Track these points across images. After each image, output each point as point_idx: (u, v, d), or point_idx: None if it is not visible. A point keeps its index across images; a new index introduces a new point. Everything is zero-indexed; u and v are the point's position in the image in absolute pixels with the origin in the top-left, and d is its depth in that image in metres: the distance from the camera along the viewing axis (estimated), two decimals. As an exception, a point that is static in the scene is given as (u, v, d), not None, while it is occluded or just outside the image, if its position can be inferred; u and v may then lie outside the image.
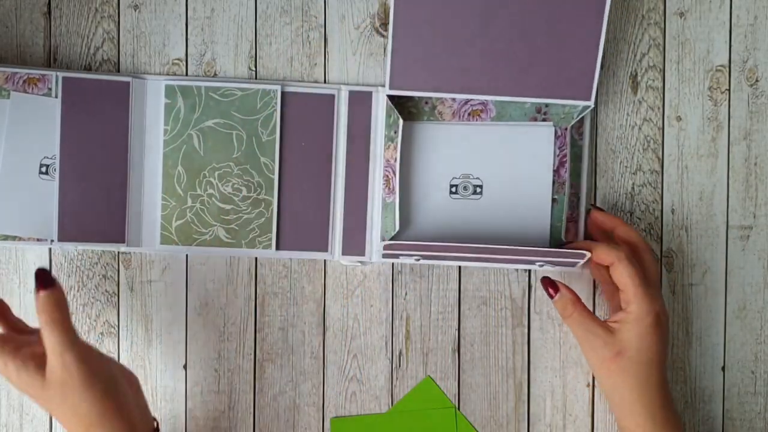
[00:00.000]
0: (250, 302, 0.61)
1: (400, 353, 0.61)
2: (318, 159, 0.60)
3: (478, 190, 0.60)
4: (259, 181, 0.60)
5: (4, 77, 0.59)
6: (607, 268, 0.56)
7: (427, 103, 0.60)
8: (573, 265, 0.58)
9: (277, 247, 0.60)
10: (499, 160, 0.60)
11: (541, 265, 0.60)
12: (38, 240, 0.59)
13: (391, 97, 0.59)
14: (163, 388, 0.61)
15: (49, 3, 0.61)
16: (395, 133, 0.59)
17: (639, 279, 0.54)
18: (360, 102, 0.60)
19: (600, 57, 0.57)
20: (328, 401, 0.61)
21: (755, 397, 0.62)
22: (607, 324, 0.55)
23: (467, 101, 0.60)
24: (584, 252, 0.56)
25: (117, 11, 0.61)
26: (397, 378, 0.61)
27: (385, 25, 0.61)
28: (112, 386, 0.49)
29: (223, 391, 0.61)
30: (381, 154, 0.60)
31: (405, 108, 0.60)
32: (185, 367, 0.61)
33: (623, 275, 0.54)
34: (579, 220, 0.61)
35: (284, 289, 0.61)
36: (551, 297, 0.57)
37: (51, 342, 0.47)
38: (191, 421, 0.61)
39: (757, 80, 0.62)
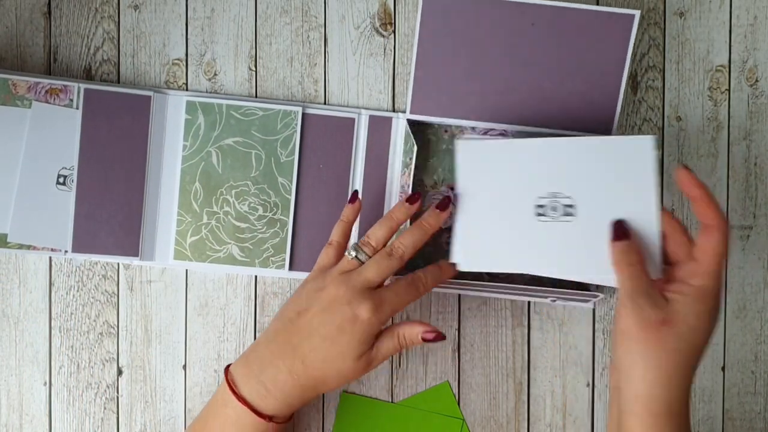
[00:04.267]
0: (250, 302, 0.61)
1: (400, 353, 0.61)
2: (335, 182, 0.60)
3: (570, 210, 0.53)
4: (275, 201, 0.60)
5: (26, 86, 0.59)
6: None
7: (446, 131, 0.61)
8: (586, 301, 0.59)
9: (290, 268, 0.60)
10: (591, 177, 0.52)
11: (554, 300, 0.60)
12: (52, 250, 0.59)
13: (411, 123, 0.59)
14: (162, 388, 0.61)
15: (49, 3, 0.61)
16: (410, 159, 0.59)
17: (723, 259, 0.48)
18: (379, 127, 0.60)
19: (623, 91, 0.58)
20: (328, 401, 0.61)
21: (755, 397, 0.62)
22: (663, 290, 0.49)
23: (487, 131, 0.60)
24: (596, 293, 0.57)
25: (117, 11, 0.61)
26: (397, 378, 0.61)
27: (385, 25, 0.61)
28: None
29: (222, 392, 0.61)
30: (398, 179, 0.60)
31: (425, 135, 0.61)
32: (184, 367, 0.61)
33: (713, 245, 0.48)
34: None
35: (284, 289, 0.61)
36: (617, 239, 0.50)
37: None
38: (191, 421, 0.61)
39: (757, 80, 0.62)
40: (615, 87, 0.58)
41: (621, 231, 0.50)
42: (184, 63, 0.61)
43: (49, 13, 0.61)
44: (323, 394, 0.61)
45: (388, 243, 0.54)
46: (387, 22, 0.61)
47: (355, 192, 0.57)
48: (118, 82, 0.61)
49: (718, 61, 0.62)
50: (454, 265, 0.53)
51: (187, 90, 0.61)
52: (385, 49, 0.61)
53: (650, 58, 0.62)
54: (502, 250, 0.53)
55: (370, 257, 0.53)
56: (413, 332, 0.53)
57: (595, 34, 0.57)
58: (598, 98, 0.58)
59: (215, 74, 0.61)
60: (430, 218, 0.54)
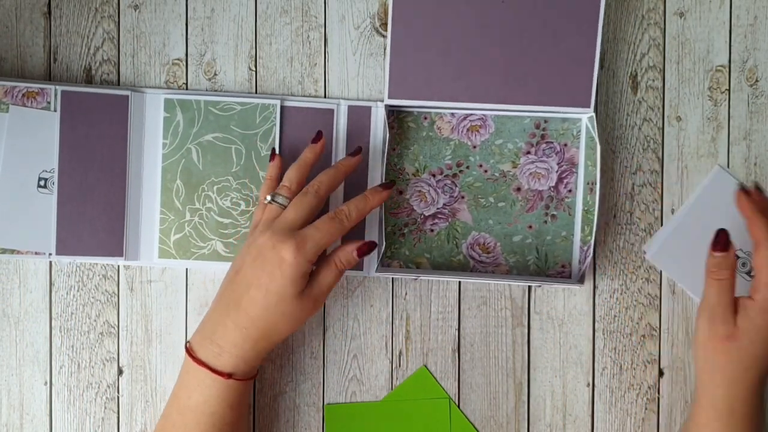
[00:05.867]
0: (250, 302, 0.61)
1: (400, 353, 0.61)
2: (317, 172, 0.60)
3: (750, 274, 0.60)
4: (257, 196, 0.60)
5: (3, 91, 0.59)
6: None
7: (426, 118, 0.61)
8: (568, 283, 0.60)
9: None
10: None
11: (539, 285, 0.61)
12: (36, 253, 0.59)
13: (390, 111, 0.59)
14: (162, 388, 0.61)
15: (49, 3, 0.61)
16: (385, 147, 0.59)
17: None
18: (359, 116, 0.60)
19: (597, 65, 0.58)
20: (328, 401, 0.61)
21: (755, 397, 0.62)
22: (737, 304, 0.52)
23: (466, 116, 0.61)
24: (577, 284, 0.58)
25: (117, 11, 0.61)
26: (397, 378, 0.61)
27: (385, 25, 0.61)
28: None
29: (223, 391, 0.61)
30: (379, 167, 0.60)
31: (404, 123, 0.61)
32: (185, 367, 0.61)
33: (763, 259, 0.51)
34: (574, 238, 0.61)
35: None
36: (718, 249, 0.52)
37: None
38: (191, 421, 0.61)
39: (757, 80, 0.62)
40: (590, 60, 0.57)
41: (724, 242, 0.52)
42: (184, 63, 0.61)
43: (49, 13, 0.61)
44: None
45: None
46: (387, 22, 0.61)
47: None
48: (118, 83, 0.61)
49: (718, 61, 0.62)
50: (389, 186, 0.56)
51: (187, 89, 0.61)
52: (385, 49, 0.61)
53: (650, 58, 0.62)
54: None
55: (288, 198, 0.55)
56: (347, 253, 0.54)
57: (566, 6, 0.57)
58: (574, 72, 0.58)
59: (215, 74, 0.61)
60: (343, 160, 0.57)
